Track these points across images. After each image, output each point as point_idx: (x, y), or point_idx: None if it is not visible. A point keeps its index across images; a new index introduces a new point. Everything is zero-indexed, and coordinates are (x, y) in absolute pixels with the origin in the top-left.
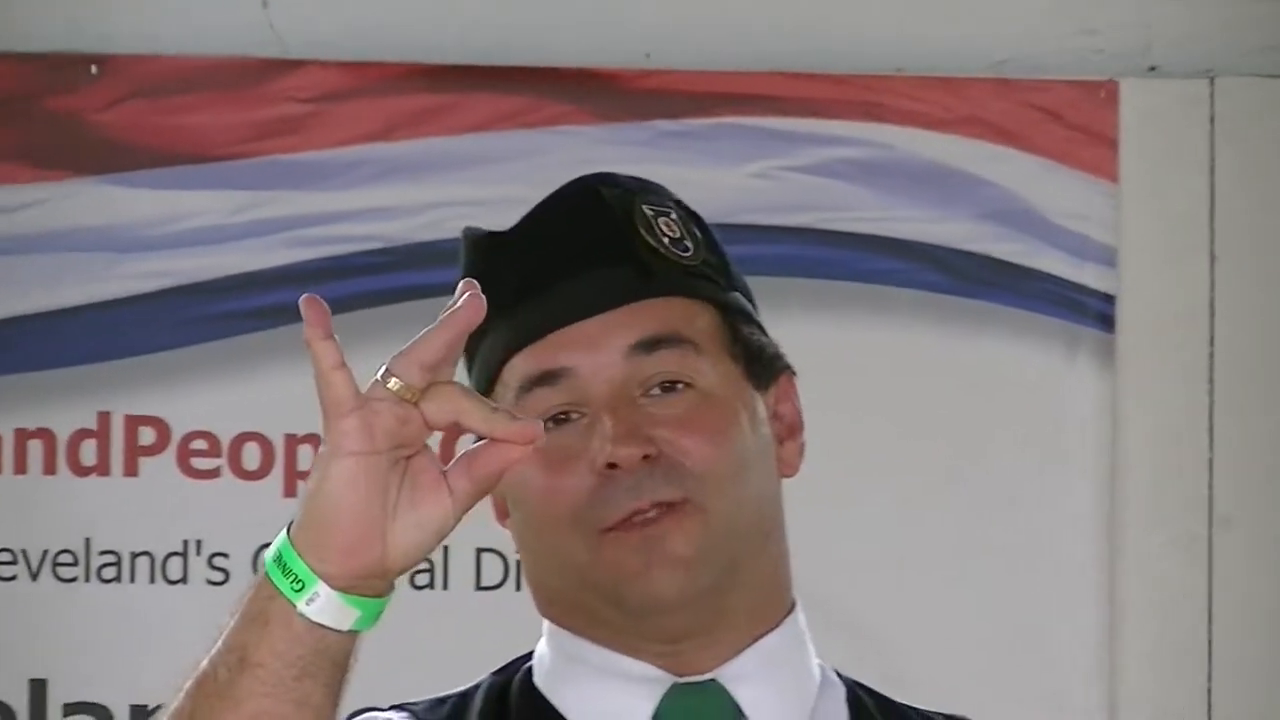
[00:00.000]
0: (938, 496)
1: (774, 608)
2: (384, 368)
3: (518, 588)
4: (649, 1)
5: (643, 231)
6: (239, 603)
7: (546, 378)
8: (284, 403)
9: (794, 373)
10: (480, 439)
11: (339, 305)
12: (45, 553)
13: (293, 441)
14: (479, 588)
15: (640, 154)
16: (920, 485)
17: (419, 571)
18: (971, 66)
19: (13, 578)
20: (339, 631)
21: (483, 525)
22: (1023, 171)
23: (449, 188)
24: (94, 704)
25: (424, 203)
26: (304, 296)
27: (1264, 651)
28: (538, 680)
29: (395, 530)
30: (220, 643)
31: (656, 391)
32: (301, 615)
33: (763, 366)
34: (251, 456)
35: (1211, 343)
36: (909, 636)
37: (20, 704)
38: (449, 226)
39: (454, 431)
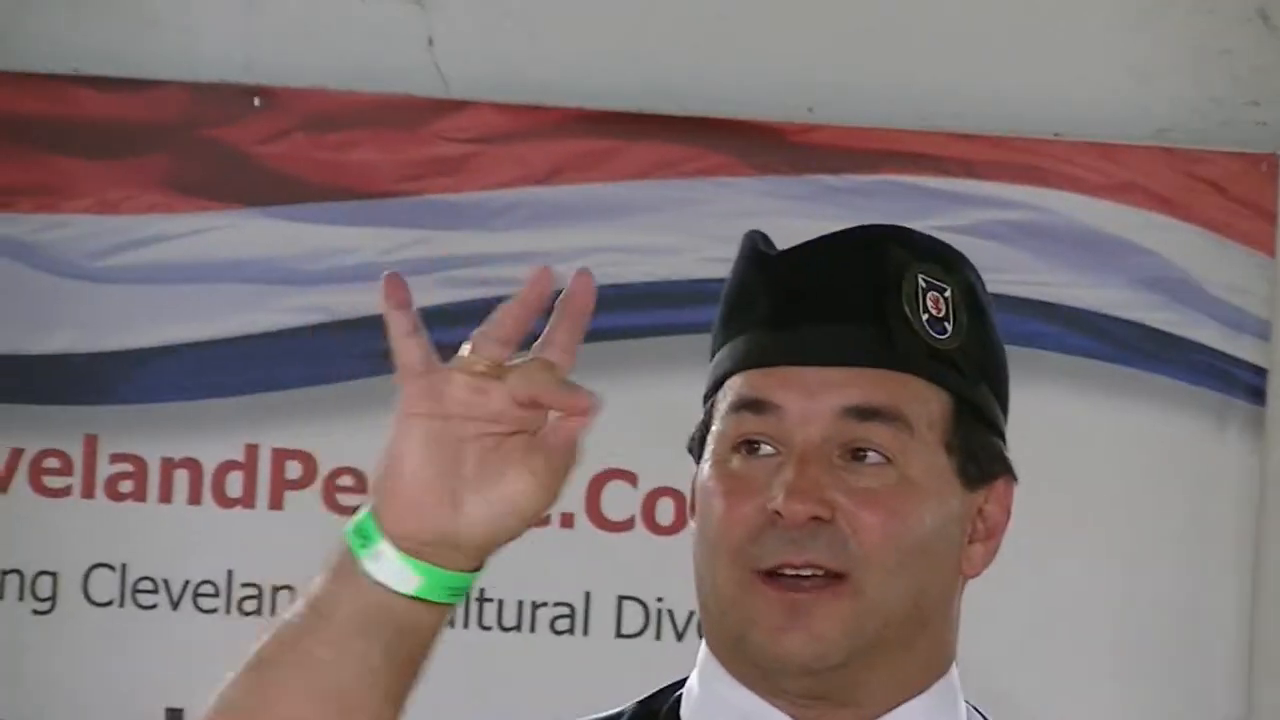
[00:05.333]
0: (1083, 564)
1: (924, 678)
2: (466, 342)
3: (658, 636)
4: (814, 56)
5: (905, 301)
6: (325, 560)
7: (756, 405)
8: None
9: (1015, 479)
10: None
11: None
12: (187, 583)
13: None
14: (619, 635)
15: (799, 208)
16: (1066, 552)
17: (559, 617)
18: (1132, 133)
19: (154, 606)
20: (401, 595)
21: (625, 573)
22: (1180, 241)
23: (605, 234)
24: None
25: (580, 248)
26: (386, 273)
27: None
28: (684, 715)
29: (467, 501)
30: (304, 594)
31: (855, 458)
32: (364, 572)
33: (978, 466)
34: None
35: None
36: (1057, 707)
37: None
38: (604, 273)
39: (536, 409)
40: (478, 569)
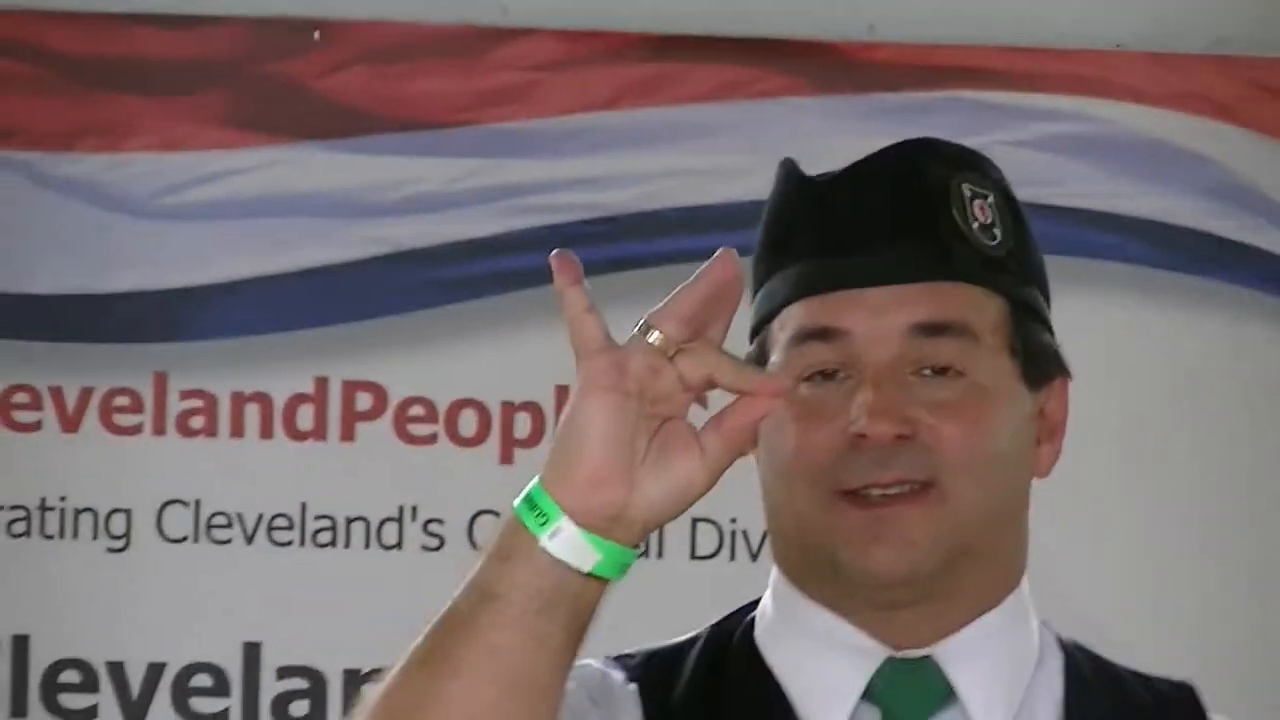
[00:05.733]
0: (1149, 471)
1: (1000, 589)
2: (642, 320)
3: (732, 557)
4: None
5: (955, 213)
6: (486, 544)
7: (823, 333)
8: (502, 370)
9: (1070, 376)
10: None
11: None
12: (260, 517)
13: (509, 409)
14: (694, 557)
15: (861, 127)
16: (1134, 459)
17: None
18: (1192, 43)
19: (228, 541)
20: (579, 572)
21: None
22: (1242, 148)
23: (670, 158)
24: (307, 668)
25: (644, 172)
26: (555, 251)
27: None
28: (758, 635)
29: (643, 479)
30: (465, 582)
31: (927, 373)
32: (543, 549)
33: (1039, 367)
34: (468, 423)
35: None
36: (1117, 611)
37: (234, 667)
38: (669, 197)
39: (707, 390)
40: (638, 545)
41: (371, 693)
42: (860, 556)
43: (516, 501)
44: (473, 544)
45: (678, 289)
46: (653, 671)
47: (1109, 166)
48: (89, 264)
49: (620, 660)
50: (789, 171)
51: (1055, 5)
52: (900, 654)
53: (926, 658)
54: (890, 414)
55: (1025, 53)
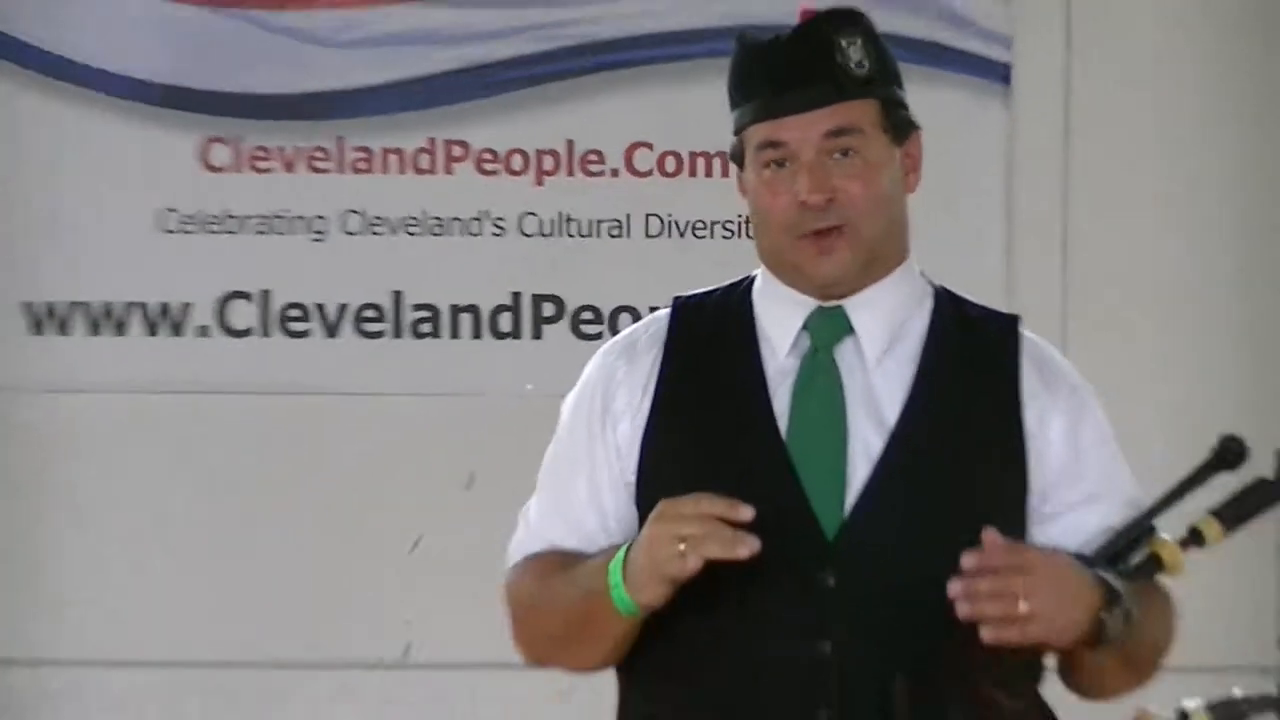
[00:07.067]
0: None
1: (893, 265)
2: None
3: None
4: None
5: (838, 57)
6: (596, 575)
7: (773, 144)
8: None
9: (919, 128)
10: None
11: None
12: None
13: None
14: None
15: None
16: None
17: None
18: None
19: None
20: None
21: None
22: None
23: None
24: None
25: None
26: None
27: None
28: (754, 294)
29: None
30: (587, 581)
31: (838, 156)
32: (616, 609)
33: (901, 130)
34: None
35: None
36: None
37: None
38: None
39: None
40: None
41: (518, 581)
42: (813, 267)
43: (612, 580)
44: None
45: (710, 504)
46: (691, 302)
47: None
48: None
49: (676, 301)
50: (744, 42)
51: None
52: (823, 305)
53: (838, 307)
54: (820, 187)
55: None
